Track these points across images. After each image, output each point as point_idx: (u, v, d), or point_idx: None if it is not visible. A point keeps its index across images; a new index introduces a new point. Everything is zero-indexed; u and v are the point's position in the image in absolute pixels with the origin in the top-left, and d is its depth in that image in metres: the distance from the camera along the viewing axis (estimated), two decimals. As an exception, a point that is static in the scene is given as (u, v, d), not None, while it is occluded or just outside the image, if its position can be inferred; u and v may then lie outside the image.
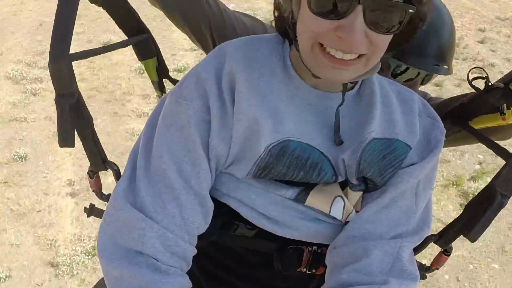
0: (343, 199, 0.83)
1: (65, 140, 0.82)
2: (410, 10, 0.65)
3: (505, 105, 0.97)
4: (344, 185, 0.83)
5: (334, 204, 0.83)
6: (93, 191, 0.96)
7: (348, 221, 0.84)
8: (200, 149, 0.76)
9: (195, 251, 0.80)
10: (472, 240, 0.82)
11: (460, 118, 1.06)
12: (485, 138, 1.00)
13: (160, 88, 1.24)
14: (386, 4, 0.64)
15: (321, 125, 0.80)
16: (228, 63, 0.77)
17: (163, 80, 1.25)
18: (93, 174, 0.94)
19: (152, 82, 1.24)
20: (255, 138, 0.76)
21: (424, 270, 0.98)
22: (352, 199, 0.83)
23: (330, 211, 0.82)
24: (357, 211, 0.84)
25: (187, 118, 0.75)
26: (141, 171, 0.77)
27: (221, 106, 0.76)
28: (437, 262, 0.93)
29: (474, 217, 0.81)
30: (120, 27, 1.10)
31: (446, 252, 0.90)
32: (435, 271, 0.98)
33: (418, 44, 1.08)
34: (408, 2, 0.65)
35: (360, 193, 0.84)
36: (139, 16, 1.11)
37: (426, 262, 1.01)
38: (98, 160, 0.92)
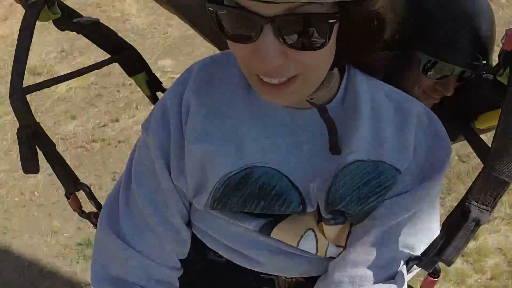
0: (314, 233, 0.75)
1: (27, 168, 0.86)
2: (331, 21, 0.54)
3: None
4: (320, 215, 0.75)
5: (304, 238, 0.75)
6: (74, 210, 0.99)
7: (331, 257, 0.76)
8: (169, 180, 0.75)
9: (180, 273, 0.83)
10: (448, 264, 0.70)
11: (460, 119, 0.94)
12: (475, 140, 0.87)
13: (154, 102, 1.25)
14: (298, 19, 0.53)
15: (294, 146, 0.72)
16: (187, 89, 0.74)
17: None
18: (69, 195, 0.97)
19: (147, 96, 1.25)
20: (210, 169, 0.72)
21: None
22: (328, 233, 0.75)
23: (298, 245, 0.75)
24: (340, 246, 0.76)
25: (155, 150, 0.75)
26: (122, 201, 0.79)
27: (179, 137, 0.74)
28: (426, 285, 0.82)
29: (449, 237, 0.69)
30: (100, 47, 1.12)
31: (433, 274, 0.79)
32: None
33: (450, 35, 0.95)
34: (331, 11, 0.54)
35: (338, 226, 0.74)
36: (117, 34, 1.12)
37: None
38: (69, 182, 0.96)
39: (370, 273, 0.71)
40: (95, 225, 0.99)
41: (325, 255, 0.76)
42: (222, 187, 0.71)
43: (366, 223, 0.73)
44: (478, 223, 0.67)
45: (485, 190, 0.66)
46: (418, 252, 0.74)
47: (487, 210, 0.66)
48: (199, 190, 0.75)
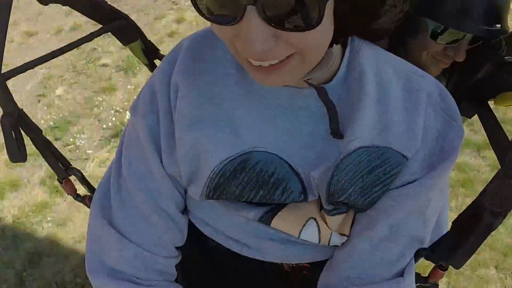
0: (316, 222, 0.71)
1: (14, 156, 0.85)
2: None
3: None
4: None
5: (306, 227, 0.71)
6: (68, 194, 1.00)
7: (335, 245, 0.73)
8: (161, 168, 0.71)
9: (178, 260, 0.80)
10: (456, 267, 0.66)
11: (477, 97, 0.86)
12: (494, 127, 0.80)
13: (152, 70, 1.20)
14: (282, 1, 0.45)
15: (294, 129, 0.66)
16: (176, 69, 0.68)
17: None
18: (62, 180, 0.97)
19: (145, 64, 1.21)
20: (204, 157, 0.67)
21: (421, 282, 0.85)
22: (331, 222, 0.70)
23: (299, 235, 0.71)
24: (344, 235, 0.72)
25: (144, 135, 0.70)
26: (114, 189, 0.75)
27: (169, 123, 0.68)
28: (434, 276, 0.79)
29: (459, 239, 0.65)
30: (90, 18, 1.07)
31: (442, 266, 0.76)
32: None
33: (462, 1, 0.86)
34: None
35: (341, 216, 0.70)
36: (107, 3, 1.06)
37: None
38: (59, 168, 0.95)
39: (378, 270, 0.68)
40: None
41: (328, 244, 0.72)
42: (218, 176, 0.66)
43: (371, 214, 0.68)
44: (491, 227, 0.62)
45: (499, 195, 0.61)
46: (427, 245, 0.71)
47: (501, 214, 0.61)
48: (193, 179, 0.70)
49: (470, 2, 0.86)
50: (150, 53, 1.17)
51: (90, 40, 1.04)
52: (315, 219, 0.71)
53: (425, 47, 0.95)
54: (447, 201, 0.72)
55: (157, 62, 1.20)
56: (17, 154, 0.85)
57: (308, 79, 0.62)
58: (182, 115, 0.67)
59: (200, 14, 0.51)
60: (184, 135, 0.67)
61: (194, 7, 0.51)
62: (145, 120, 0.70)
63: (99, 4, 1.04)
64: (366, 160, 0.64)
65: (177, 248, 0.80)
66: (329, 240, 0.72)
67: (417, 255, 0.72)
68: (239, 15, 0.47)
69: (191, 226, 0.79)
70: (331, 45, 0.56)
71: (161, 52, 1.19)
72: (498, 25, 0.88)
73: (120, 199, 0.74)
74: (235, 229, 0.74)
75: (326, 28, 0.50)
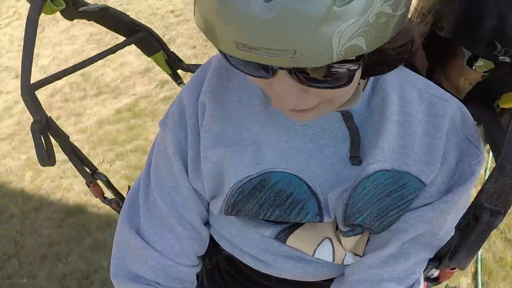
0: (331, 242, 0.72)
1: (43, 160, 0.90)
2: (352, 68, 0.48)
3: None
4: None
5: (320, 247, 0.72)
6: (96, 197, 1.04)
7: (347, 264, 0.74)
8: (188, 182, 0.74)
9: (198, 269, 0.82)
10: (461, 268, 0.66)
11: (482, 98, 0.84)
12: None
13: (176, 80, 1.24)
14: (315, 69, 0.47)
15: (316, 150, 0.67)
16: (204, 88, 0.71)
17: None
18: (89, 183, 1.01)
19: (168, 75, 1.25)
20: (225, 174, 0.69)
21: (431, 281, 0.84)
22: (346, 243, 0.72)
23: (314, 254, 0.72)
24: (358, 255, 0.73)
25: (172, 149, 0.73)
26: (142, 198, 0.78)
27: (196, 140, 0.71)
28: (444, 276, 0.80)
29: (461, 240, 0.64)
30: (114, 31, 1.12)
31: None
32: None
33: (494, 30, 0.81)
34: (349, 59, 0.47)
35: (356, 237, 0.71)
36: (129, 16, 1.11)
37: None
38: (86, 173, 0.99)
39: (386, 285, 0.68)
40: (116, 211, 1.03)
41: (342, 263, 0.73)
42: (236, 194, 0.69)
43: (383, 235, 0.69)
44: (491, 226, 0.61)
45: (497, 192, 0.60)
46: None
47: (501, 213, 0.60)
48: (214, 195, 0.73)
49: (504, 33, 0.81)
50: (173, 63, 1.21)
51: (115, 52, 1.09)
52: (330, 239, 0.72)
53: (462, 73, 0.92)
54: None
55: (179, 72, 1.24)
56: (46, 159, 0.90)
57: None
58: (208, 133, 0.70)
59: (231, 65, 0.53)
60: (208, 153, 0.70)
61: (224, 58, 0.52)
62: (174, 135, 0.73)
63: (121, 18, 1.09)
64: (384, 184, 0.65)
65: (198, 257, 0.82)
66: (343, 260, 0.73)
67: (427, 266, 0.72)
68: (271, 73, 0.49)
69: (211, 238, 0.82)
70: (359, 82, 0.57)
71: (184, 62, 1.23)
72: None
73: (147, 209, 0.77)
74: (251, 245, 0.75)
75: (356, 79, 0.52)
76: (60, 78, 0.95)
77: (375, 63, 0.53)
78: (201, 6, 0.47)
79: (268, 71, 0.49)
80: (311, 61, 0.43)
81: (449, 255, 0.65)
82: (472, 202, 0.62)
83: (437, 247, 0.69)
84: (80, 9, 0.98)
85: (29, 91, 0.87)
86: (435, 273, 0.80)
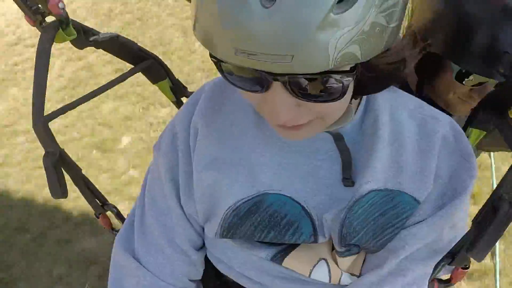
0: (327, 263, 0.72)
1: (55, 193, 0.88)
2: (346, 79, 0.48)
3: None
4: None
5: (316, 268, 0.72)
6: (104, 228, 1.01)
7: (345, 285, 0.73)
8: (177, 206, 0.74)
9: None
10: (478, 260, 0.66)
11: (494, 108, 0.86)
12: None
13: (179, 107, 1.24)
14: (310, 78, 0.48)
15: (310, 172, 0.68)
16: (196, 112, 0.71)
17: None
18: (98, 215, 0.99)
19: (172, 102, 1.24)
20: (219, 197, 0.69)
21: (443, 283, 0.84)
22: (342, 263, 0.72)
23: (310, 275, 0.72)
24: (354, 275, 0.73)
25: (165, 173, 0.74)
26: (137, 220, 0.79)
27: (188, 164, 0.72)
28: (456, 277, 0.78)
29: (479, 232, 0.65)
30: (122, 59, 1.11)
31: (464, 266, 0.75)
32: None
33: (485, 46, 0.83)
34: (345, 69, 0.48)
35: (353, 257, 0.71)
36: (137, 45, 1.10)
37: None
38: (96, 204, 0.98)
39: None
40: None
41: (339, 283, 0.73)
42: (231, 216, 0.69)
43: (380, 254, 0.69)
44: (510, 218, 0.62)
45: None
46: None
47: None
48: (209, 218, 0.73)
49: (494, 50, 0.84)
50: (177, 91, 1.21)
51: (123, 81, 1.08)
52: (325, 260, 0.72)
53: (451, 88, 0.95)
54: (462, 232, 0.71)
55: (184, 99, 1.23)
56: (58, 191, 0.88)
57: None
58: (201, 155, 0.70)
59: (225, 79, 0.53)
60: (202, 175, 0.70)
61: (219, 72, 0.53)
62: (166, 160, 0.73)
63: (130, 47, 1.09)
64: (379, 203, 0.65)
65: (193, 280, 0.82)
66: (340, 280, 0.72)
67: (438, 265, 0.71)
68: (265, 87, 0.50)
69: (208, 261, 0.81)
70: (350, 101, 0.58)
71: (188, 90, 1.23)
72: None
73: (142, 232, 0.78)
74: (248, 267, 0.75)
75: (348, 94, 0.53)
76: (73, 108, 0.93)
77: (368, 79, 0.53)
78: (201, 16, 0.47)
79: (262, 85, 0.50)
80: (308, 67, 0.44)
81: (467, 247, 0.66)
82: (491, 195, 0.64)
83: (435, 261, 0.70)
84: (91, 39, 0.97)
85: (43, 123, 0.85)
86: (447, 271, 0.79)
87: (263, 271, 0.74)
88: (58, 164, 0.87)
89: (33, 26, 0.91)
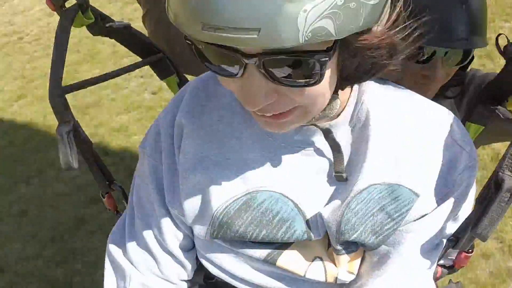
0: (322, 261, 0.70)
1: (67, 163, 0.89)
2: (323, 59, 0.46)
3: None
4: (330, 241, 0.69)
5: (311, 267, 0.70)
6: (108, 210, 1.02)
7: (342, 283, 0.72)
8: (161, 206, 0.74)
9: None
10: (483, 239, 0.65)
11: (492, 100, 0.91)
12: None
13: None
14: (284, 58, 0.46)
15: (302, 167, 0.67)
16: (180, 110, 0.70)
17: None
18: (104, 194, 1.00)
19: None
20: (208, 196, 0.67)
21: (447, 269, 0.82)
22: (339, 262, 0.69)
23: (305, 274, 0.70)
24: (352, 273, 0.71)
25: (148, 173, 0.73)
26: (128, 221, 0.80)
27: (172, 163, 0.71)
28: (460, 261, 0.77)
29: (483, 210, 0.64)
30: (132, 51, 1.16)
31: (468, 250, 0.75)
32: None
33: (440, 17, 0.88)
34: (321, 48, 0.46)
35: (351, 255, 0.69)
36: (148, 38, 1.16)
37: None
38: (103, 182, 0.98)
39: None
40: None
41: (335, 282, 0.72)
42: (222, 215, 0.67)
43: (381, 252, 0.68)
44: None
45: None
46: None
47: None
48: (197, 219, 0.70)
49: (451, 17, 0.90)
50: (184, 87, 1.24)
51: (133, 70, 1.13)
52: (321, 258, 0.70)
53: (404, 72, 0.95)
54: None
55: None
56: (69, 161, 0.89)
57: (315, 121, 0.62)
58: (188, 154, 0.69)
59: (202, 63, 0.52)
60: (189, 174, 0.69)
61: (196, 56, 0.52)
62: (151, 159, 0.73)
63: (141, 39, 1.14)
64: (377, 198, 0.63)
65: (185, 281, 0.82)
66: (336, 278, 0.71)
67: (444, 247, 0.71)
68: (241, 71, 0.48)
69: (200, 263, 0.80)
70: (335, 91, 0.57)
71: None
72: (479, 37, 0.91)
73: (131, 232, 0.78)
74: (241, 268, 0.73)
75: (328, 81, 0.51)
76: (92, 85, 0.97)
77: (351, 66, 0.52)
78: None
79: (237, 68, 0.48)
80: (276, 41, 0.42)
81: (471, 226, 0.65)
82: (493, 171, 0.63)
83: (438, 253, 0.69)
84: (107, 25, 1.02)
85: (60, 93, 0.88)
86: (453, 255, 0.78)
87: (257, 272, 0.73)
88: (71, 135, 0.89)
89: (53, 10, 0.97)
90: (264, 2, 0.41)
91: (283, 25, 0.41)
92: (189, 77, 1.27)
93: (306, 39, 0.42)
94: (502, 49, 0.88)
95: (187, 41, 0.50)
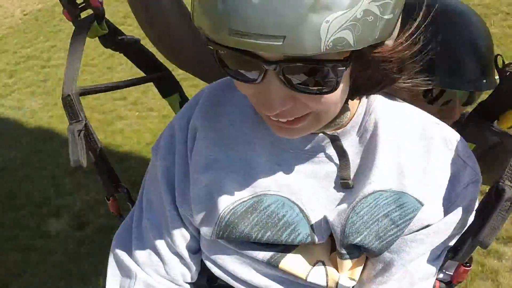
0: (324, 266, 0.71)
1: (76, 161, 0.90)
2: (340, 68, 0.50)
3: None
4: (333, 246, 0.71)
5: (313, 271, 0.71)
6: (112, 212, 1.01)
7: None
8: (172, 207, 0.75)
9: None
10: (484, 246, 0.68)
11: (483, 119, 0.95)
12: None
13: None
14: (303, 65, 0.49)
15: (309, 173, 0.69)
16: (195, 113, 0.73)
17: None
18: (109, 197, 1.00)
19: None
20: (217, 197, 0.70)
21: (445, 286, 0.85)
22: (342, 267, 0.71)
23: (307, 278, 0.71)
24: (353, 279, 0.72)
25: (161, 175, 0.75)
26: (135, 222, 0.81)
27: (184, 164, 0.73)
28: (458, 276, 0.79)
29: (483, 219, 0.67)
30: (137, 66, 1.21)
31: (466, 264, 0.76)
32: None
33: (452, 61, 0.94)
34: (339, 58, 0.50)
35: (353, 260, 0.71)
36: (154, 55, 1.21)
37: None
38: (109, 184, 0.99)
39: None
40: None
41: (336, 287, 0.73)
42: (228, 215, 0.68)
43: (385, 260, 0.69)
44: None
45: None
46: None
47: None
48: (205, 219, 0.72)
49: (461, 60, 0.93)
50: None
51: (138, 84, 1.17)
52: (323, 263, 0.72)
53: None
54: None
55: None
56: (78, 160, 0.90)
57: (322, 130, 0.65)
58: (199, 156, 0.71)
59: (221, 70, 0.55)
60: (199, 175, 0.71)
61: (216, 61, 0.54)
62: (163, 162, 0.75)
63: (148, 55, 1.19)
64: (382, 204, 0.65)
65: (189, 283, 0.83)
66: (337, 284, 0.72)
67: (443, 260, 0.73)
68: (260, 77, 0.51)
69: (203, 265, 0.82)
70: (346, 101, 0.60)
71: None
72: (489, 78, 0.97)
73: (139, 233, 0.80)
74: (244, 270, 0.74)
75: (342, 90, 0.55)
76: (103, 91, 1.00)
77: (362, 78, 0.55)
78: (198, 1, 0.50)
79: (257, 74, 0.51)
80: (300, 49, 0.45)
81: (473, 234, 0.68)
82: (494, 181, 0.66)
83: (439, 263, 0.71)
84: (119, 38, 1.07)
85: (76, 94, 0.91)
86: (451, 270, 0.80)
87: (259, 275, 0.74)
88: (82, 134, 0.91)
89: (70, 20, 1.01)
90: (290, 11, 0.44)
91: (306, 34, 0.44)
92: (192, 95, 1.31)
93: (327, 48, 0.45)
94: (499, 68, 0.92)
95: (209, 46, 0.52)
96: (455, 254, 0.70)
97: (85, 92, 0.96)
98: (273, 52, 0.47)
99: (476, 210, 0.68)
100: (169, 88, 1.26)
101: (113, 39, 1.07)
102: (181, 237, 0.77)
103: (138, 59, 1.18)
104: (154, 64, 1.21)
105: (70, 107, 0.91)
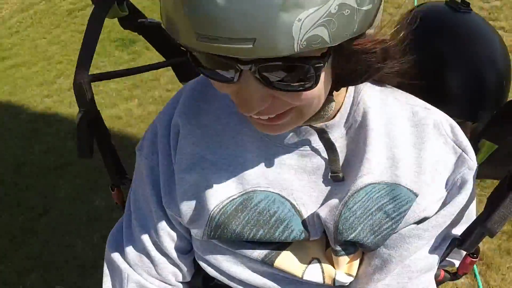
0: (320, 263, 0.70)
1: (82, 151, 0.88)
2: (318, 65, 0.46)
3: None
4: (328, 242, 0.69)
5: (309, 268, 0.69)
6: (116, 203, 1.00)
7: (341, 285, 0.72)
8: (158, 208, 0.74)
9: None
10: (491, 234, 0.65)
11: (507, 121, 0.90)
12: None
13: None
14: (280, 64, 0.46)
15: (299, 167, 0.67)
16: (177, 111, 0.70)
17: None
18: (113, 187, 0.98)
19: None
20: (205, 196, 0.67)
21: (450, 278, 0.84)
22: (338, 263, 0.69)
23: (302, 276, 0.69)
24: (350, 275, 0.71)
25: (146, 175, 0.74)
26: (125, 223, 0.81)
27: (168, 164, 0.72)
28: (464, 267, 0.77)
29: (493, 207, 0.65)
30: (157, 50, 1.16)
31: (473, 255, 0.74)
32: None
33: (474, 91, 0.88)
34: (316, 54, 0.46)
35: (349, 256, 0.69)
36: (175, 40, 1.16)
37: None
38: (115, 175, 0.97)
39: None
40: None
41: (334, 284, 0.71)
42: (218, 215, 0.67)
43: (382, 256, 0.68)
44: None
45: None
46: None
47: None
48: (194, 219, 0.70)
49: (478, 94, 0.89)
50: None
51: (156, 69, 1.13)
52: (318, 260, 0.70)
53: None
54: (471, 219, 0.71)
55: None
56: (87, 150, 0.88)
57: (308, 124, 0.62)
58: (184, 154, 0.69)
59: (197, 70, 0.52)
60: (185, 174, 0.69)
61: (192, 62, 0.51)
62: (148, 161, 0.74)
63: (169, 39, 1.14)
64: (375, 197, 0.63)
65: (182, 282, 0.83)
66: (334, 280, 0.71)
67: (448, 247, 0.71)
68: (236, 76, 0.48)
69: (197, 265, 0.80)
70: (331, 93, 0.57)
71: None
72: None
73: (130, 233, 0.79)
74: (239, 269, 0.73)
75: (324, 83, 0.51)
76: (118, 77, 0.96)
77: (345, 69, 0.52)
78: (165, 2, 0.46)
79: (233, 74, 0.48)
80: (272, 51, 0.42)
81: (481, 222, 0.65)
82: (506, 175, 0.64)
83: (441, 252, 0.69)
84: (139, 20, 1.02)
85: (88, 81, 0.87)
86: (456, 262, 0.78)
87: (254, 273, 0.73)
88: (91, 123, 0.88)
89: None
90: (259, 11, 0.40)
91: (278, 35, 0.41)
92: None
93: (301, 47, 0.42)
94: None
95: (181, 48, 0.50)
96: (462, 242, 0.69)
97: (100, 78, 0.92)
98: (245, 55, 0.43)
99: (488, 199, 0.66)
100: (188, 73, 1.21)
101: (134, 21, 1.03)
102: (169, 237, 0.76)
103: (158, 43, 1.14)
104: (175, 49, 1.17)
105: (81, 94, 0.88)
